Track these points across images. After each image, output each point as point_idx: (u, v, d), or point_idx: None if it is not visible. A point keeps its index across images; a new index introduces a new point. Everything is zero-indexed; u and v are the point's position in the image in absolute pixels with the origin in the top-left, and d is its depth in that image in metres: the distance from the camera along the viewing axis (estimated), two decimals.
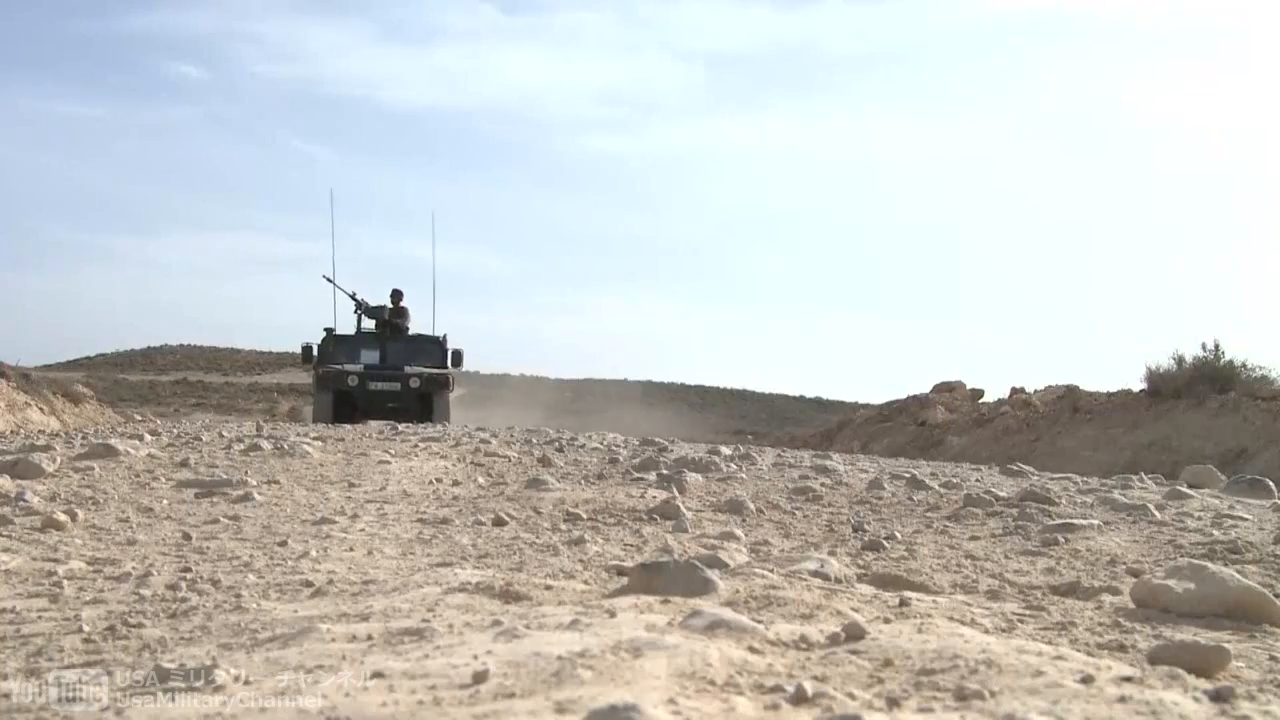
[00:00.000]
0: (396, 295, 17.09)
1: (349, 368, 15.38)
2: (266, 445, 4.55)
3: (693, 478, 3.53)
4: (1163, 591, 1.73)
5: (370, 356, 15.95)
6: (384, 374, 15.43)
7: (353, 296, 16.53)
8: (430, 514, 2.75)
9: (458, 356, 16.55)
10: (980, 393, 13.56)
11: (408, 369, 15.60)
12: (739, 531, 2.45)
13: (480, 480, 3.60)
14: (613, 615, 1.43)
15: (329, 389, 15.28)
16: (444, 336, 16.60)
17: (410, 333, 16.68)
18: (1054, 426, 10.46)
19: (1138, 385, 10.03)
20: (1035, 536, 2.55)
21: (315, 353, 16.11)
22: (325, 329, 16.21)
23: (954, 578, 2.05)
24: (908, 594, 1.76)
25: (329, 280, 16.53)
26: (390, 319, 16.55)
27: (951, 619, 1.56)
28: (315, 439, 5.31)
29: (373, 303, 16.53)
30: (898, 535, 2.55)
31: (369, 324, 16.55)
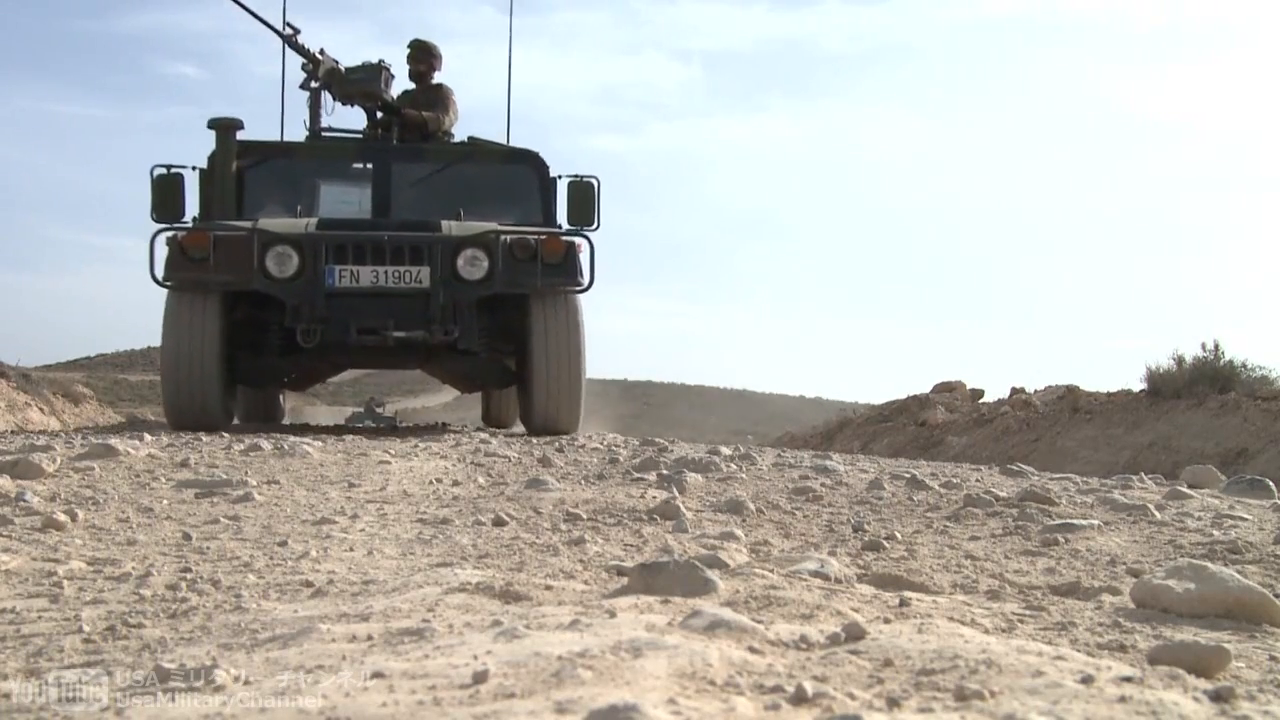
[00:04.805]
0: (420, 54, 7.38)
1: (277, 226, 6.21)
2: (266, 445, 4.55)
3: (693, 478, 3.53)
4: (1163, 591, 1.73)
5: (343, 196, 6.99)
6: (377, 241, 6.17)
7: (295, 43, 6.81)
8: (430, 514, 2.76)
9: (584, 199, 6.77)
10: (980, 393, 13.57)
11: (452, 228, 6.30)
12: (739, 531, 2.45)
13: (480, 480, 3.60)
14: (613, 615, 1.43)
15: (210, 286, 6.06)
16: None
17: (452, 138, 7.30)
18: (1054, 426, 10.46)
19: (1138, 385, 10.04)
20: (1035, 536, 2.55)
21: (193, 194, 6.65)
22: (214, 123, 6.43)
23: (954, 578, 2.05)
24: (908, 594, 1.76)
25: (238, 2, 6.65)
26: (400, 106, 7.13)
27: (951, 619, 1.56)
28: (315, 439, 5.31)
29: (355, 64, 6.92)
30: (898, 535, 2.55)
31: (345, 119, 7.19)
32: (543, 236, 6.46)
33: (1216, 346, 9.52)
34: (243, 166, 6.72)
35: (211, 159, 6.64)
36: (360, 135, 7.32)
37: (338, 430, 7.85)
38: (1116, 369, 25.06)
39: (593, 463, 4.36)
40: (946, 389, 13.88)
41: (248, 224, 6.30)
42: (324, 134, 7.27)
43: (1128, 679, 1.15)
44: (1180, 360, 9.63)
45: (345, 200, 7.11)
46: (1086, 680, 1.12)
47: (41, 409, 12.15)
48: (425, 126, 7.28)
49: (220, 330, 6.23)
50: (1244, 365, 9.32)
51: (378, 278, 6.23)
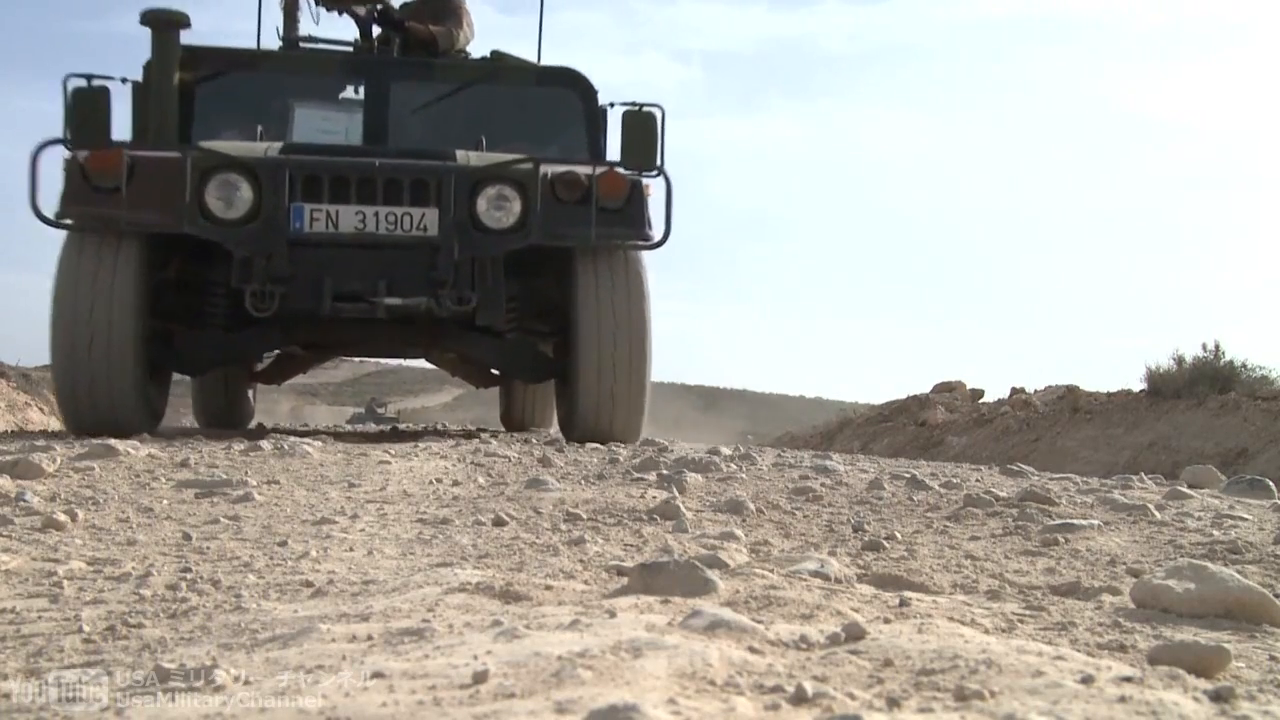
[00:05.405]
0: None
1: (223, 148, 4.78)
2: (266, 445, 4.55)
3: (693, 478, 3.53)
4: (1163, 591, 1.73)
5: (325, 124, 5.45)
6: (365, 170, 4.65)
7: None
8: (430, 514, 2.76)
9: (643, 135, 4.97)
10: (980, 393, 13.58)
11: (470, 158, 4.91)
12: (739, 531, 2.45)
13: (480, 480, 3.60)
14: (613, 615, 1.43)
15: (123, 227, 4.50)
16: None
17: (466, 53, 5.88)
18: (1054, 426, 10.46)
19: (1138, 385, 10.05)
20: (1035, 536, 2.55)
21: (128, 111, 5.11)
22: (148, 17, 4.71)
23: (954, 578, 2.05)
24: (908, 594, 1.76)
25: None
26: (404, 17, 5.65)
27: (951, 619, 1.56)
28: (315, 439, 5.30)
29: None
30: (898, 535, 2.55)
31: (332, 31, 6.06)
32: (598, 170, 4.85)
33: (1217, 346, 9.54)
34: (191, 81, 5.02)
35: (148, 69, 4.91)
36: (351, 48, 5.80)
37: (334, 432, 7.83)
38: (1116, 369, 25.12)
39: (593, 463, 4.36)
40: (946, 389, 13.89)
41: (195, 151, 4.67)
42: (299, 40, 5.83)
43: (1128, 679, 1.15)
44: (1180, 360, 9.65)
45: (327, 130, 5.39)
46: (1086, 680, 1.12)
47: (41, 409, 12.15)
48: (434, 44, 5.58)
49: (138, 291, 4.57)
50: (1244, 365, 9.34)
51: (365, 222, 4.58)
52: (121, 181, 4.50)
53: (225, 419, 7.93)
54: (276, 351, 6.64)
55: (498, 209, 4.77)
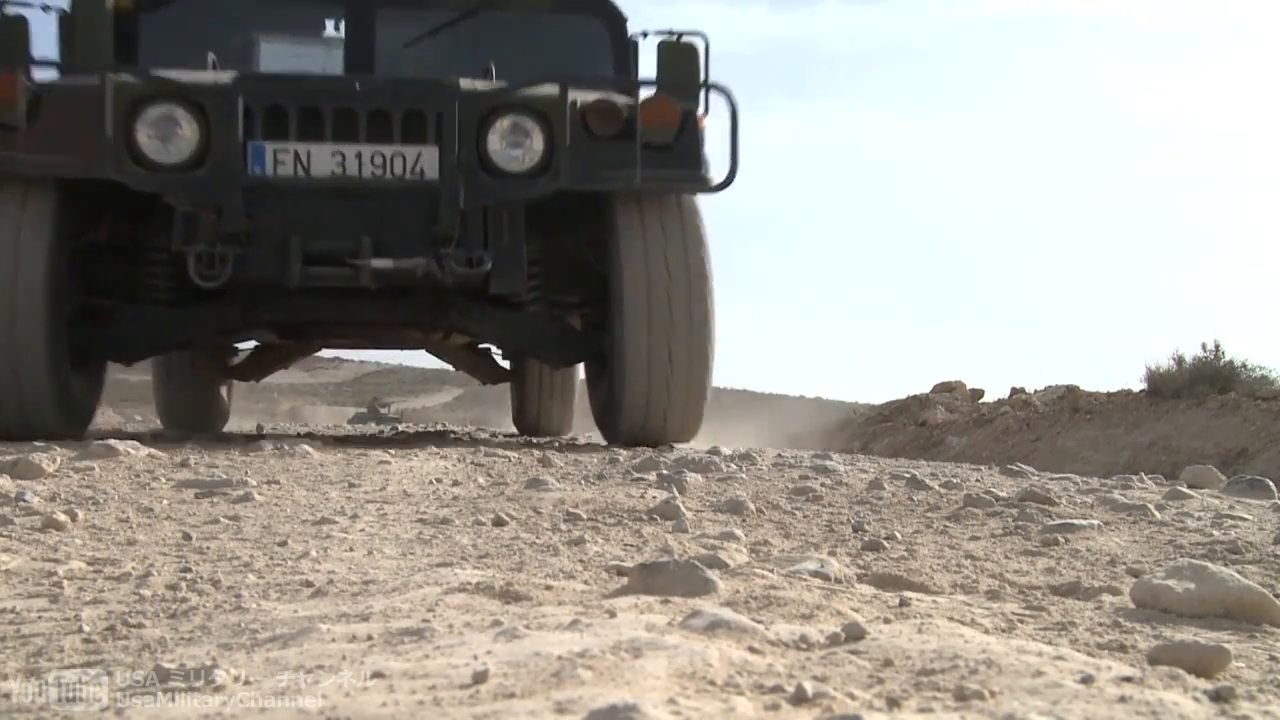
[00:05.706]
0: None
1: (177, 76, 3.71)
2: (266, 445, 4.55)
3: (693, 478, 3.53)
4: (1163, 591, 1.73)
5: (297, 62, 4.42)
6: (343, 95, 3.73)
7: None
8: (430, 514, 2.76)
9: (683, 68, 4.11)
10: (980, 393, 13.59)
11: (478, 85, 3.97)
12: (739, 531, 2.45)
13: (480, 480, 3.60)
14: (613, 615, 1.43)
15: (25, 172, 3.60)
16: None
17: None
18: (1054, 426, 10.47)
19: (1138, 385, 10.05)
20: (1035, 536, 2.55)
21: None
22: None
23: (954, 578, 2.05)
24: (908, 594, 1.76)
25: None
26: None
27: (951, 619, 1.56)
28: (315, 440, 5.30)
29: None
30: (898, 535, 2.55)
31: None
32: (640, 99, 3.95)
33: (1217, 346, 9.56)
34: (132, 9, 4.25)
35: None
36: None
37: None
38: (1116, 369, 25.16)
39: (593, 463, 4.36)
40: (946, 389, 13.90)
41: (125, 79, 3.70)
42: None
43: (1128, 679, 1.15)
44: (1180, 360, 9.66)
45: (300, 68, 4.46)
46: (1086, 680, 1.12)
47: None
48: None
49: (52, 257, 3.74)
50: (1244, 365, 9.36)
51: (344, 164, 3.71)
52: (20, 116, 3.60)
53: (194, 420, 7.00)
54: (254, 344, 5.71)
55: (514, 146, 3.86)
